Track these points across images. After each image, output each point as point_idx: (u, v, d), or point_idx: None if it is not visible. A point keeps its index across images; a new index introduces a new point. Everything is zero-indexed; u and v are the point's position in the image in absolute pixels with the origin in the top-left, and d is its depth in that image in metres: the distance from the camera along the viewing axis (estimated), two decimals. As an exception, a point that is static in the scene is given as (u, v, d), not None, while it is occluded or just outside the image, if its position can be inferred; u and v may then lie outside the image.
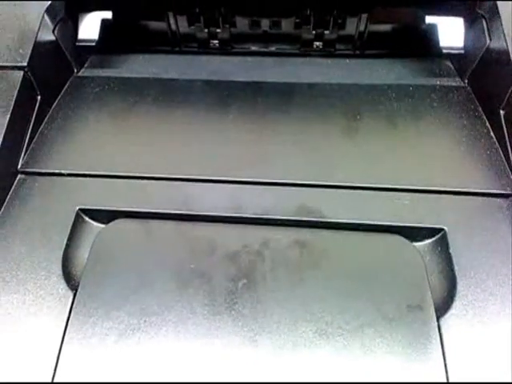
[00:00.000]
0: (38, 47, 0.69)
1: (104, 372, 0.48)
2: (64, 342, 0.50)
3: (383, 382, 0.47)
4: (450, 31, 0.78)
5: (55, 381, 0.48)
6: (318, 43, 0.83)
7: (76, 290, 0.53)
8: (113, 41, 0.83)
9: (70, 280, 0.55)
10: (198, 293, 0.53)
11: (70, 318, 0.51)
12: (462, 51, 0.78)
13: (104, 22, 0.82)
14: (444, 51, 0.79)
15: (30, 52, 0.67)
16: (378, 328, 0.50)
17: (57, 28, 0.75)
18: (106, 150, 0.67)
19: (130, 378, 0.48)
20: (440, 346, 0.49)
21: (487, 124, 0.67)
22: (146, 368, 0.48)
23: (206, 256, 0.56)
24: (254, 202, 0.60)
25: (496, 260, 0.54)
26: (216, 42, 0.84)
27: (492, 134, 0.66)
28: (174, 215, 0.60)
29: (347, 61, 0.82)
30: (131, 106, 0.73)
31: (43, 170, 0.65)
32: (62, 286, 0.54)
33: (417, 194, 0.60)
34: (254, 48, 0.85)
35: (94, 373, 0.48)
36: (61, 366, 0.48)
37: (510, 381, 0.47)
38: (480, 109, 0.70)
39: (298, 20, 0.80)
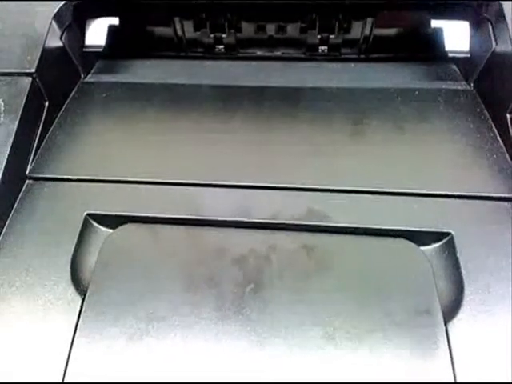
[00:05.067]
0: (46, 53, 0.70)
1: (112, 376, 0.48)
2: (73, 346, 0.50)
3: (391, 386, 0.47)
4: (456, 35, 0.78)
5: None
6: (323, 47, 0.84)
7: (85, 295, 0.54)
8: (119, 46, 0.84)
9: (79, 285, 0.55)
10: (206, 298, 0.53)
11: (79, 323, 0.51)
12: (468, 55, 0.78)
13: (111, 27, 0.83)
14: (450, 55, 0.79)
15: (38, 58, 0.68)
16: (385, 333, 0.50)
17: (64, 34, 0.75)
18: (114, 155, 0.67)
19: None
20: (448, 351, 0.49)
21: (493, 128, 0.67)
22: (154, 372, 0.48)
23: (213, 261, 0.56)
24: (262, 207, 0.60)
25: (503, 264, 0.54)
26: (222, 47, 0.85)
27: (498, 137, 0.66)
28: (182, 220, 0.60)
29: (352, 65, 0.82)
30: (138, 111, 0.74)
31: (51, 176, 0.65)
32: (71, 290, 0.54)
33: (424, 198, 0.60)
34: (259, 53, 0.85)
35: (103, 377, 0.48)
36: (70, 371, 0.49)
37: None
38: (486, 113, 0.69)
39: (303, 24, 0.81)
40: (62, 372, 0.48)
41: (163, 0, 0.76)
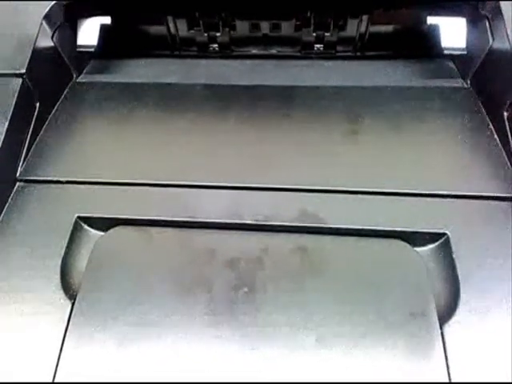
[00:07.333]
0: (37, 54, 0.69)
1: (102, 380, 0.48)
2: (62, 352, 0.49)
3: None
4: (452, 32, 0.77)
5: None
6: (318, 45, 0.83)
7: (74, 300, 0.53)
8: (112, 46, 0.83)
9: (69, 289, 0.54)
10: (198, 302, 0.52)
11: (68, 329, 0.51)
12: (465, 52, 0.76)
13: (103, 27, 0.82)
14: (446, 52, 0.78)
15: (28, 59, 0.67)
16: (380, 335, 0.49)
17: (55, 34, 0.74)
18: (105, 157, 0.67)
19: (128, 389, 0.47)
20: (443, 354, 0.48)
21: (490, 126, 0.66)
22: (144, 378, 0.48)
23: (205, 264, 0.55)
24: (255, 208, 0.60)
25: (500, 265, 0.53)
26: (216, 45, 0.84)
27: (495, 136, 0.65)
28: (174, 222, 0.59)
29: (348, 63, 0.81)
30: (131, 111, 0.73)
31: (42, 178, 0.64)
32: (61, 295, 0.53)
33: (419, 198, 0.59)
34: (254, 51, 0.84)
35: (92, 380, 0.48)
36: (59, 377, 0.48)
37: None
38: (483, 110, 0.68)
39: (298, 22, 0.80)
40: (51, 379, 0.48)
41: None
